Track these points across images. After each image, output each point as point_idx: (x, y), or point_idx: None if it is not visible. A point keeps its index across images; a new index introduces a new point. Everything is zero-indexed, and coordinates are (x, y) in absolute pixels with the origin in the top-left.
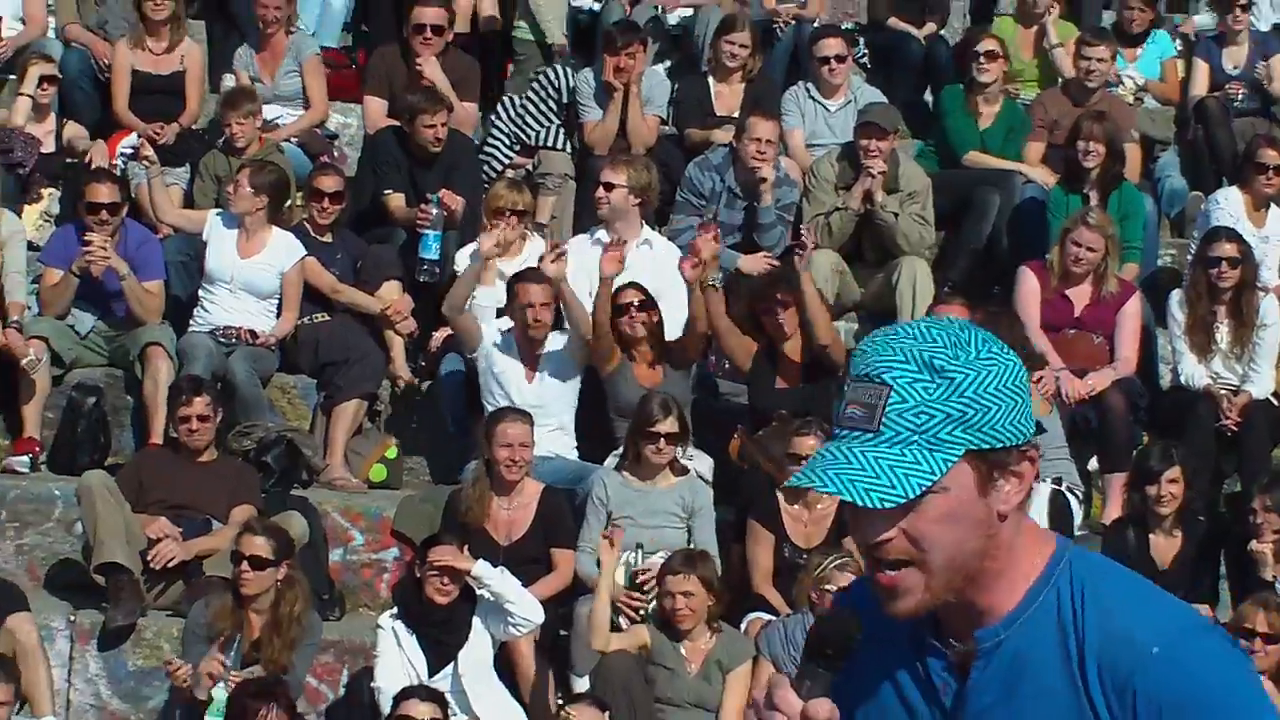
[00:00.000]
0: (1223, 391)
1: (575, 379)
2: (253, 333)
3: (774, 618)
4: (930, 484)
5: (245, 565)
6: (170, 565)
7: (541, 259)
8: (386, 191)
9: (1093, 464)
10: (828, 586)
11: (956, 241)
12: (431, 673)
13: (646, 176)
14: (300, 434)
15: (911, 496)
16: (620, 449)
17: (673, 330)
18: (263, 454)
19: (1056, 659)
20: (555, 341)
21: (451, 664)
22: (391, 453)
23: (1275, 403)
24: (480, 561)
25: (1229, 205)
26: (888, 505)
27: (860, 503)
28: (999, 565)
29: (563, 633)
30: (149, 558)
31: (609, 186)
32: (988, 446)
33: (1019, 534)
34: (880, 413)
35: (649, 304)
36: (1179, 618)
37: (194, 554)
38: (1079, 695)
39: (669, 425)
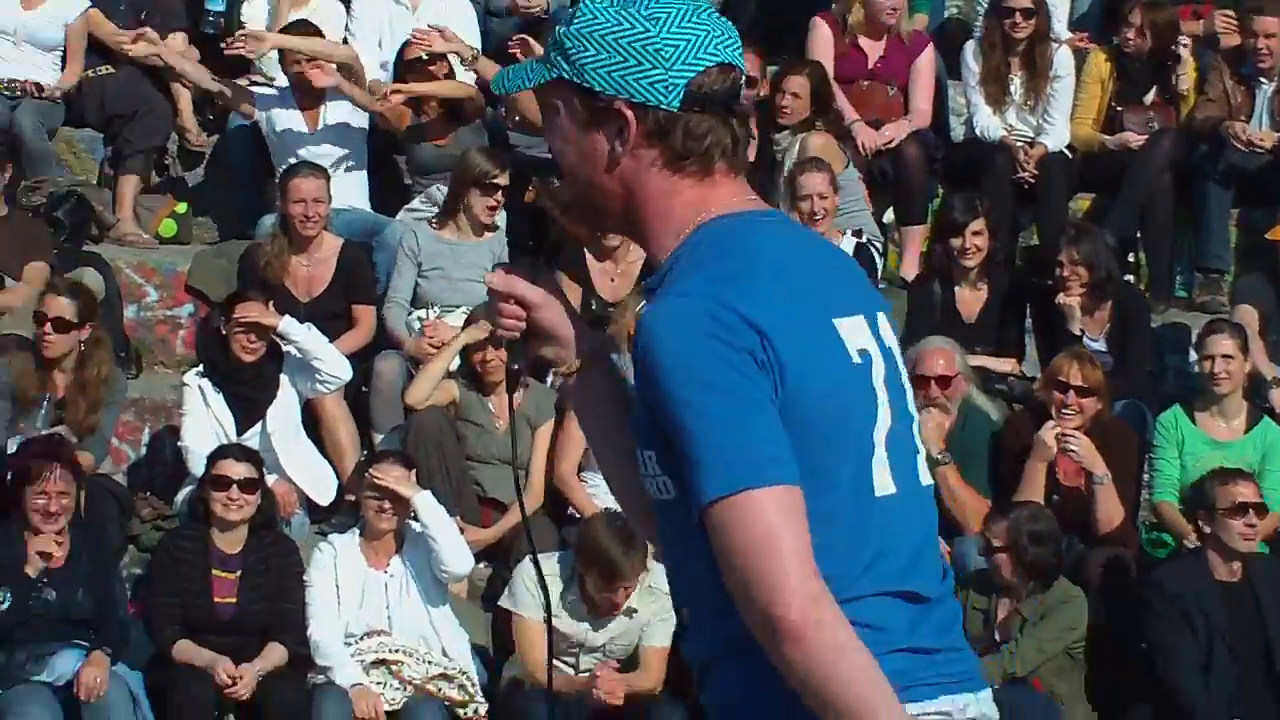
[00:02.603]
0: (1018, 143)
1: (360, 123)
2: (38, 85)
3: None
4: (520, 87)
5: (49, 327)
6: None
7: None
8: None
9: (888, 216)
10: None
11: None
12: (240, 431)
13: None
14: (91, 188)
15: (507, 89)
16: (410, 204)
17: None
18: (53, 209)
19: None
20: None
21: (260, 422)
22: (181, 208)
23: (1069, 155)
24: (286, 317)
25: None
26: (496, 90)
27: (494, 88)
28: (644, 216)
29: (364, 389)
30: None
31: None
32: (576, 80)
33: (674, 195)
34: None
35: (437, 59)
36: (701, 275)
37: None
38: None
39: (504, 178)
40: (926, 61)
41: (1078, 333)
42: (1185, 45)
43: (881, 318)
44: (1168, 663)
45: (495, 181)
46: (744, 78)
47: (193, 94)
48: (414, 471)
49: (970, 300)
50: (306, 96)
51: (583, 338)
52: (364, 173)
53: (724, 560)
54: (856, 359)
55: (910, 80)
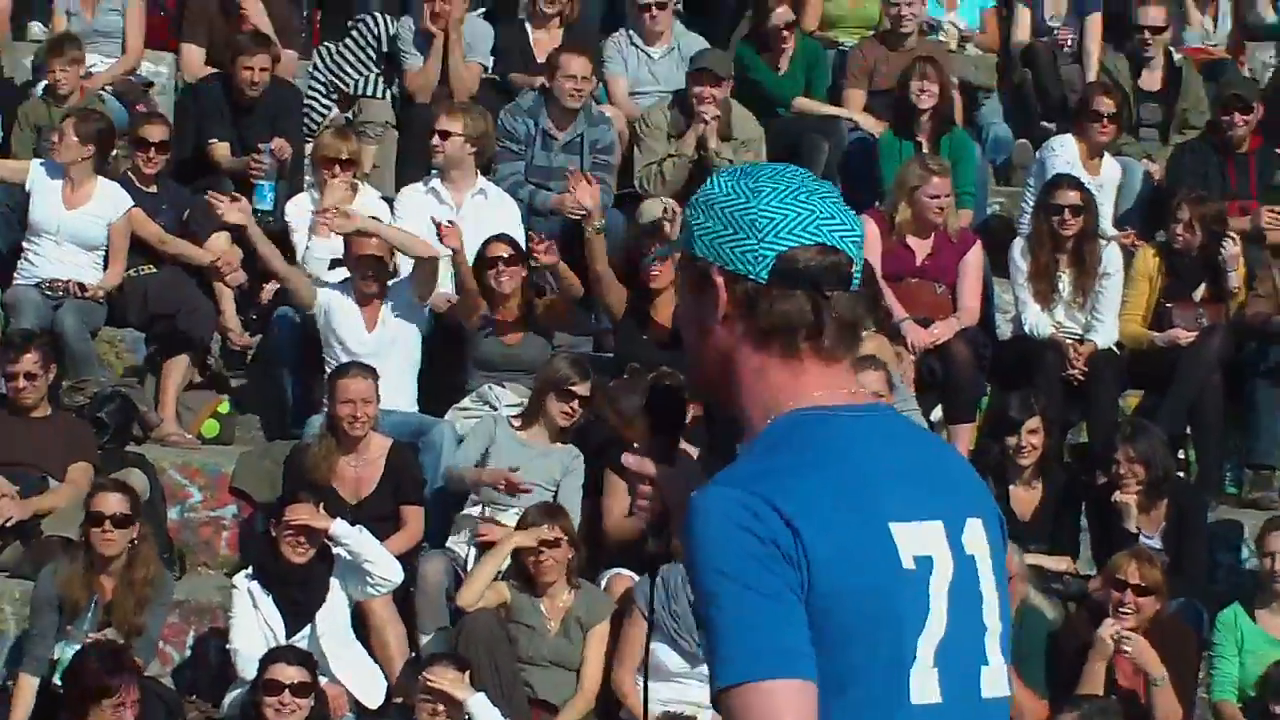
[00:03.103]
0: (1068, 341)
1: (418, 325)
2: (81, 285)
3: (633, 572)
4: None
5: (107, 525)
6: (7, 524)
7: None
8: (211, 140)
9: (936, 414)
10: None
11: None
12: (289, 634)
13: (483, 124)
14: (134, 389)
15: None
16: (461, 404)
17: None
18: (97, 409)
19: None
20: (396, 288)
21: (309, 625)
22: (224, 407)
23: (1118, 351)
24: (338, 520)
25: (1065, 153)
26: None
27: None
28: (739, 394)
29: (410, 590)
30: None
31: (445, 134)
32: (681, 247)
33: (762, 376)
34: None
35: (517, 258)
36: (744, 468)
37: (31, 512)
38: None
39: (584, 389)
40: (975, 259)
41: (1134, 530)
42: (1233, 240)
43: (974, 524)
44: None
45: (573, 389)
46: (853, 266)
47: (235, 294)
48: (468, 673)
49: (1025, 499)
50: (366, 293)
51: None
52: (414, 375)
53: None
54: (909, 564)
55: (959, 278)
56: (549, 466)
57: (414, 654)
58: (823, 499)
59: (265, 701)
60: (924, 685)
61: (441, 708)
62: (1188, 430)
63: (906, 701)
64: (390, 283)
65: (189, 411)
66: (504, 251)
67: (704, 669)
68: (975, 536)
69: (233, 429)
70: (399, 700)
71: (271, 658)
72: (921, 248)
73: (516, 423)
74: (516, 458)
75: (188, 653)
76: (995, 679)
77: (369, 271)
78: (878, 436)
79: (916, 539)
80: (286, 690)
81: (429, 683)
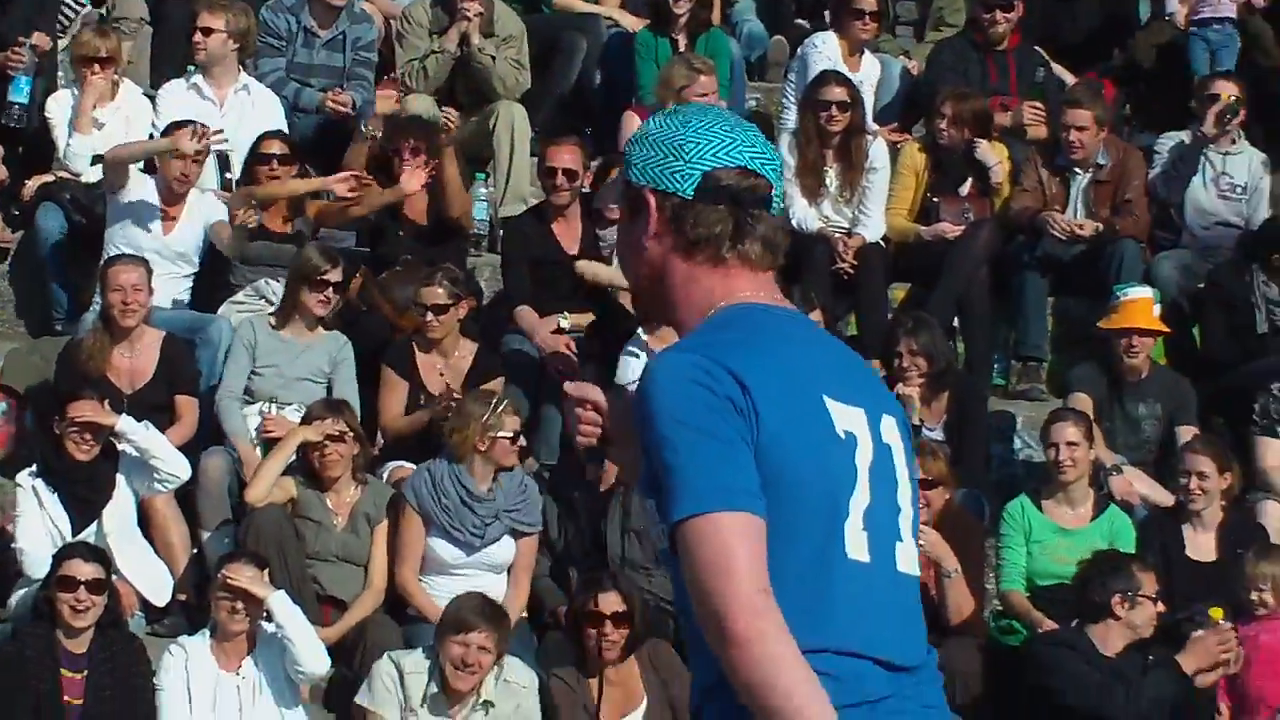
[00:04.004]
0: (836, 234)
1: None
2: None
3: (414, 465)
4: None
5: None
6: None
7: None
8: None
9: None
10: (501, 433)
11: (544, 85)
12: (75, 531)
13: (245, 20)
14: None
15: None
16: (235, 297)
17: None
18: None
19: None
20: (198, 193)
21: (95, 522)
22: None
23: (885, 245)
24: (124, 416)
25: (826, 49)
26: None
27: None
28: (672, 302)
29: (190, 486)
30: None
31: (207, 31)
32: (624, 176)
33: (692, 281)
34: None
35: (290, 156)
36: (697, 339)
37: None
38: None
39: (336, 274)
40: None
41: (917, 423)
42: (984, 141)
43: (888, 420)
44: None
45: (326, 278)
46: (771, 190)
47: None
48: (266, 571)
49: None
50: (171, 201)
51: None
52: (191, 274)
53: (688, 577)
54: (841, 435)
55: None
56: (313, 359)
57: (195, 549)
58: (768, 365)
59: (60, 598)
60: (856, 543)
61: (240, 605)
62: (955, 323)
63: (844, 555)
64: (193, 193)
65: None
66: (278, 149)
67: (482, 555)
68: (890, 430)
69: None
70: (182, 597)
71: (65, 554)
72: None
73: (274, 320)
74: (278, 355)
75: None
76: (908, 556)
77: (183, 174)
78: (805, 329)
79: (845, 417)
80: (82, 587)
81: (229, 580)
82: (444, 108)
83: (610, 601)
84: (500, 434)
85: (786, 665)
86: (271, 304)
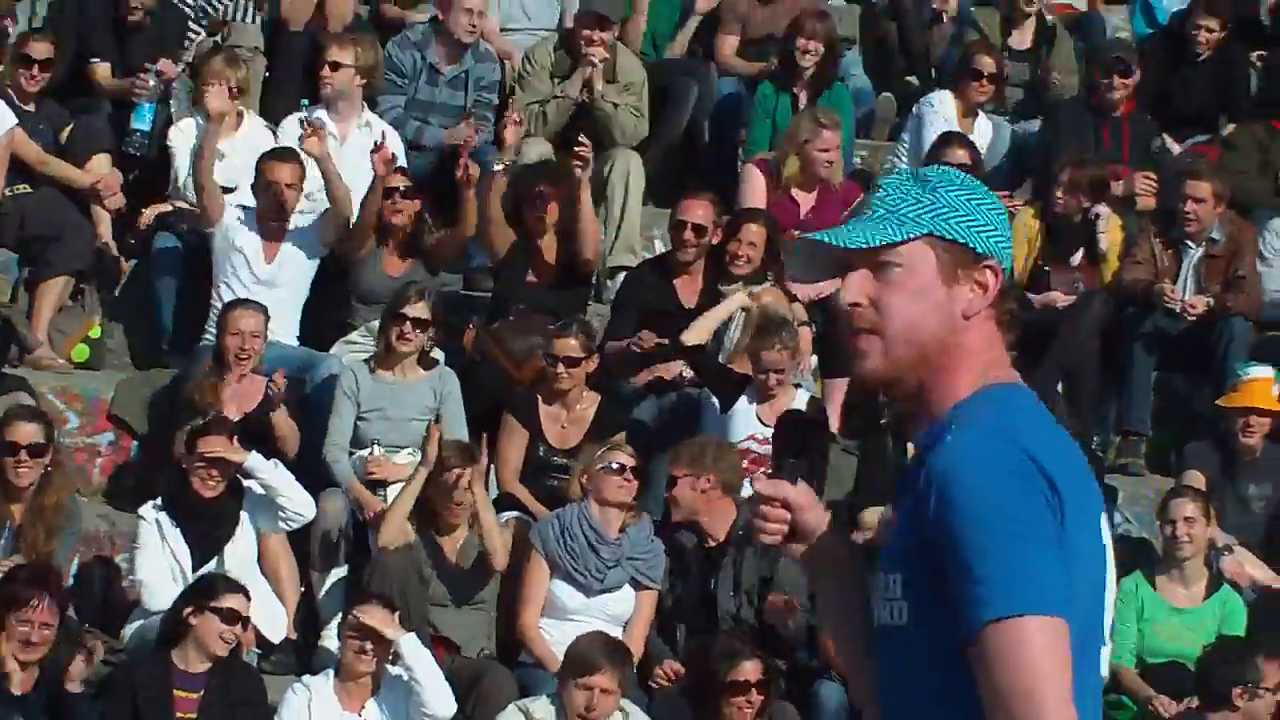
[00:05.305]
0: None
1: (315, 260)
2: None
3: (526, 516)
4: (889, 242)
5: (23, 454)
6: None
7: (301, 138)
8: (92, 60)
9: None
10: (608, 464)
11: (652, 132)
12: (195, 567)
13: (373, 56)
14: (12, 310)
15: (871, 244)
16: (348, 337)
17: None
18: None
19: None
20: (301, 220)
21: (216, 559)
22: (95, 332)
23: None
24: (253, 453)
25: (942, 109)
26: (850, 246)
27: (832, 242)
28: (955, 367)
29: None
30: None
31: (335, 66)
32: (949, 237)
33: (980, 351)
34: (869, 200)
35: (412, 191)
36: (999, 422)
37: None
38: (917, 486)
39: (419, 310)
40: None
41: None
42: (1105, 208)
43: (1104, 518)
44: None
45: (405, 312)
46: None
47: (112, 218)
48: (397, 614)
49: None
50: (271, 226)
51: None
52: (300, 309)
53: (987, 681)
54: (1105, 544)
55: None
56: (419, 398)
57: (302, 589)
58: (1064, 464)
59: (202, 627)
60: (1104, 659)
61: (370, 646)
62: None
63: (1098, 671)
64: (295, 219)
65: (60, 335)
66: (400, 183)
67: (600, 603)
68: (1105, 529)
69: (103, 353)
70: (292, 636)
71: (211, 585)
72: (806, 200)
73: (372, 364)
74: (382, 399)
75: (71, 580)
76: (1105, 660)
77: (280, 202)
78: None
79: (1105, 525)
80: (238, 623)
81: (360, 621)
82: (576, 146)
83: (752, 671)
84: (605, 466)
85: None
86: None
